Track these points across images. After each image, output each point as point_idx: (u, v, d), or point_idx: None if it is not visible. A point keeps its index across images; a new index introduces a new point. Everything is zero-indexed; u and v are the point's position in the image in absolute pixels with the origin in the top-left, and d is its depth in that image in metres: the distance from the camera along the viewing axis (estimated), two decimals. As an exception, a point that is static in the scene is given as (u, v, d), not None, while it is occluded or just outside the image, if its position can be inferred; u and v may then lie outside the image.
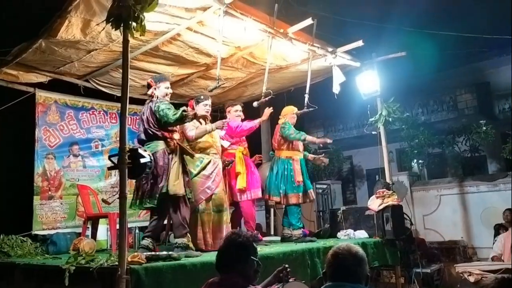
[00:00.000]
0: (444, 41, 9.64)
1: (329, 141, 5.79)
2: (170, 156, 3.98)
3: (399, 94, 8.20)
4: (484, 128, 9.43)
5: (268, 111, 5.09)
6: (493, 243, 6.46)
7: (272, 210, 7.63)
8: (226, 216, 4.71)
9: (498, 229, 7.07)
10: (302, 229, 5.49)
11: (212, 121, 4.78)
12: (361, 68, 6.37)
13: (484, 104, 12.35)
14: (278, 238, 6.11)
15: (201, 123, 4.61)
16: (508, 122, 9.91)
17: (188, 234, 4.05)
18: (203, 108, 4.65)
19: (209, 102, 4.74)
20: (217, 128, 4.55)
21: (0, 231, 4.85)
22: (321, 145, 5.66)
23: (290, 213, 5.47)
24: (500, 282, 1.95)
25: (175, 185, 3.91)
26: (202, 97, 4.76)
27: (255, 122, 5.12)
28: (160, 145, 3.96)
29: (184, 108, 3.98)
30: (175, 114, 3.88)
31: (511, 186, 8.02)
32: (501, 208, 7.26)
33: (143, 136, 4.04)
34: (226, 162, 4.96)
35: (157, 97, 4.15)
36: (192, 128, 4.51)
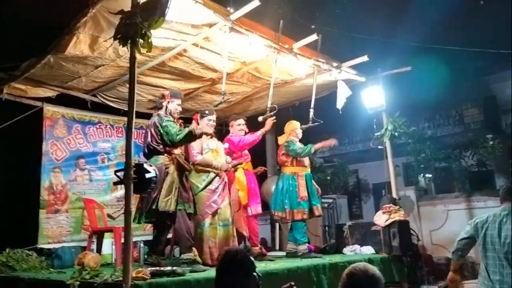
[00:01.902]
0: (450, 56, 9.65)
1: (334, 141, 5.76)
2: (166, 171, 3.98)
3: (405, 108, 8.20)
4: (491, 142, 9.35)
5: (270, 121, 5.10)
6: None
7: (277, 224, 7.57)
8: (232, 230, 4.70)
9: (507, 245, 6.97)
10: (307, 244, 5.45)
11: (217, 135, 4.83)
12: (367, 83, 6.39)
13: (491, 119, 12.28)
14: (283, 253, 6.07)
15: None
16: (516, 137, 9.85)
17: (194, 248, 4.04)
18: (207, 123, 4.69)
19: (213, 117, 4.77)
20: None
21: (6, 245, 4.86)
22: (330, 146, 5.65)
23: (295, 228, 5.45)
24: None
25: (164, 201, 3.89)
26: (207, 111, 4.79)
27: (257, 134, 5.13)
28: (159, 160, 3.98)
29: (191, 128, 4.01)
30: (179, 134, 3.91)
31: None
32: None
33: (146, 150, 4.08)
34: (234, 163, 4.96)
35: (167, 111, 4.20)
36: (198, 152, 4.56)
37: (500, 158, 10.08)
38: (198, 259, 4.01)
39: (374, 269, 1.99)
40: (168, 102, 4.28)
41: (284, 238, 9.13)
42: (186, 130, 3.99)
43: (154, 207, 3.84)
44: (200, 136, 4.16)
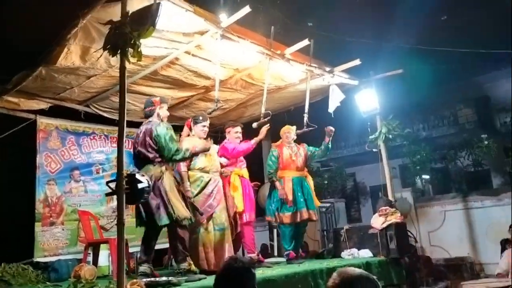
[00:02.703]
0: (442, 57, 9.70)
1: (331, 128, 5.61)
2: (160, 181, 3.93)
3: (399, 110, 8.24)
4: (486, 142, 9.40)
5: (264, 129, 5.09)
6: (500, 258, 6.37)
7: (275, 230, 7.55)
8: (228, 234, 4.67)
9: (505, 245, 6.97)
10: (290, 251, 5.46)
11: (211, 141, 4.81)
12: (360, 86, 6.42)
13: (485, 118, 12.36)
14: (281, 259, 6.06)
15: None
16: (510, 136, 9.87)
17: (188, 258, 4.00)
18: (201, 129, 4.70)
19: (207, 123, 4.77)
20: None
21: (2, 259, 4.81)
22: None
23: (281, 234, 5.49)
24: None
25: (180, 209, 3.90)
26: (200, 118, 4.78)
27: (251, 143, 5.12)
28: (150, 170, 3.92)
29: (188, 149, 4.03)
30: (177, 155, 3.95)
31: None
32: (506, 223, 7.18)
33: (137, 158, 4.05)
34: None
35: (159, 118, 4.19)
36: (185, 166, 4.56)
37: (495, 158, 10.13)
38: (194, 268, 3.97)
39: (355, 270, 1.95)
40: (160, 108, 4.25)
41: (283, 245, 9.11)
42: (186, 153, 3.99)
43: (169, 217, 3.82)
44: (197, 154, 4.20)
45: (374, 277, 1.88)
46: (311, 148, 5.79)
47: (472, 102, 12.53)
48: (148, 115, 4.25)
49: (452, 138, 11.41)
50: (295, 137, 5.74)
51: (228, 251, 4.52)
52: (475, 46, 9.43)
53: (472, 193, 8.84)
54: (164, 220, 3.80)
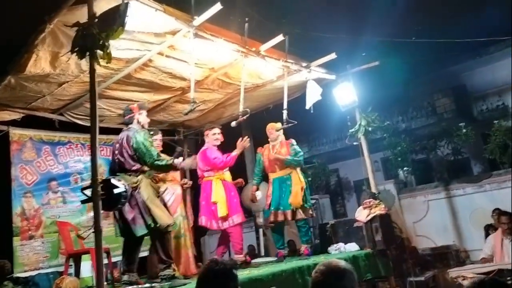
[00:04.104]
0: (417, 48, 9.79)
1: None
2: (136, 190, 3.82)
3: (378, 103, 8.27)
4: (464, 130, 9.53)
5: (240, 144, 5.10)
6: (484, 244, 6.43)
7: (260, 231, 7.50)
8: (186, 241, 4.64)
9: (488, 230, 7.05)
10: (278, 250, 5.55)
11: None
12: (338, 81, 6.40)
13: (462, 107, 12.56)
14: (269, 259, 6.01)
15: None
16: (488, 123, 10.02)
17: (173, 265, 3.92)
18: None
19: (158, 136, 4.81)
20: None
21: (-20, 277, 4.65)
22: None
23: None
24: (479, 284, 1.90)
25: (162, 217, 3.80)
26: (151, 132, 4.60)
27: (232, 155, 5.12)
28: (127, 179, 3.81)
29: (172, 161, 3.94)
30: (157, 160, 3.85)
31: (496, 186, 8.07)
32: (489, 208, 7.27)
33: (115, 166, 3.94)
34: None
35: (139, 125, 4.10)
36: None
37: (474, 145, 10.28)
38: (178, 273, 3.90)
39: (338, 262, 2.05)
40: (139, 114, 4.20)
41: (269, 244, 9.06)
42: (169, 161, 3.91)
43: (152, 225, 3.72)
44: (177, 169, 4.16)
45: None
46: (293, 147, 5.73)
47: (450, 92, 12.73)
48: (128, 123, 4.18)
49: (431, 128, 11.55)
50: (279, 134, 5.69)
51: (185, 258, 4.46)
52: (449, 36, 9.57)
53: (453, 182, 8.95)
54: (140, 231, 3.72)
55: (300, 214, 5.45)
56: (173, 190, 4.61)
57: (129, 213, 3.66)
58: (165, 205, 4.11)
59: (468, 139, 9.58)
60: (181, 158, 4.23)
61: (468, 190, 8.53)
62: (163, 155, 4.01)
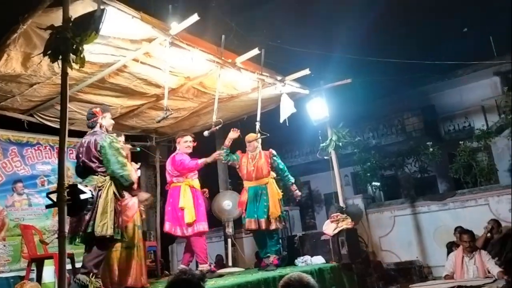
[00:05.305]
0: (389, 67, 10.08)
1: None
2: (99, 192, 3.74)
3: (350, 119, 8.45)
4: (431, 149, 9.80)
5: (215, 155, 5.27)
6: (446, 260, 6.61)
7: (229, 240, 7.50)
8: (139, 251, 4.47)
9: (451, 247, 7.24)
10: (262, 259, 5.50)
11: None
12: (311, 95, 6.53)
13: (431, 127, 12.96)
14: (236, 269, 6.02)
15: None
16: (454, 143, 10.36)
17: (91, 275, 3.70)
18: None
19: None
20: None
21: None
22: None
23: None
24: None
25: (100, 225, 3.65)
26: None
27: (198, 162, 5.17)
28: (93, 181, 3.78)
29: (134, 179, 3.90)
30: (125, 170, 3.81)
31: (459, 205, 8.32)
32: (452, 226, 7.49)
33: (80, 168, 3.89)
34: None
35: (103, 129, 4.06)
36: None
37: (440, 164, 10.59)
38: (95, 285, 3.72)
39: (308, 277, 2.04)
40: (102, 118, 4.11)
41: (238, 254, 9.05)
42: (132, 178, 3.88)
43: (89, 230, 3.62)
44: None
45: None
46: (278, 161, 5.82)
47: (419, 111, 13.12)
48: (91, 126, 4.09)
49: (400, 146, 11.84)
50: (257, 145, 5.74)
51: (135, 269, 4.34)
52: (420, 58, 9.91)
53: (419, 199, 9.14)
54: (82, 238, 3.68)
55: (275, 224, 5.52)
56: (130, 198, 4.51)
57: (87, 215, 3.59)
58: (118, 214, 3.98)
59: (434, 158, 9.86)
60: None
61: (433, 208, 8.74)
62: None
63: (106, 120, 4.10)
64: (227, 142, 5.61)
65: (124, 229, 4.09)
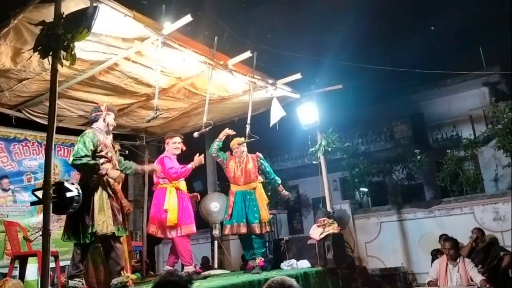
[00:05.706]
0: (380, 75, 10.19)
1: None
2: (94, 190, 3.76)
3: (340, 125, 8.50)
4: (419, 157, 9.90)
5: (197, 159, 5.24)
6: (431, 267, 6.67)
7: (215, 242, 7.48)
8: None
9: (436, 255, 7.31)
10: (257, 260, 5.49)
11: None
12: (301, 100, 6.56)
13: (419, 134, 13.08)
14: (222, 271, 6.00)
15: None
16: (441, 151, 10.47)
17: (123, 272, 3.84)
18: None
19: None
20: None
21: None
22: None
23: None
24: None
25: (101, 224, 3.69)
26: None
27: (187, 168, 5.18)
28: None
29: (91, 162, 3.84)
30: (80, 159, 3.73)
31: (445, 212, 8.42)
32: (437, 233, 7.58)
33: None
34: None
35: (105, 125, 4.14)
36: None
37: (428, 172, 10.70)
38: (130, 282, 3.83)
39: (291, 281, 2.05)
40: (107, 114, 4.21)
41: (224, 257, 9.03)
42: (91, 162, 3.80)
43: (90, 230, 3.62)
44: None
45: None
46: (265, 164, 5.85)
47: (408, 119, 13.23)
48: (93, 121, 4.14)
49: (388, 153, 11.94)
50: (243, 149, 5.73)
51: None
52: (411, 66, 10.01)
53: (406, 206, 9.23)
54: (87, 238, 3.66)
55: (265, 228, 5.56)
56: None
57: (80, 218, 3.58)
58: (121, 208, 4.02)
59: (422, 165, 9.95)
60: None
61: (419, 215, 8.83)
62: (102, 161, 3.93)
63: (110, 118, 4.21)
64: (222, 135, 5.68)
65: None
